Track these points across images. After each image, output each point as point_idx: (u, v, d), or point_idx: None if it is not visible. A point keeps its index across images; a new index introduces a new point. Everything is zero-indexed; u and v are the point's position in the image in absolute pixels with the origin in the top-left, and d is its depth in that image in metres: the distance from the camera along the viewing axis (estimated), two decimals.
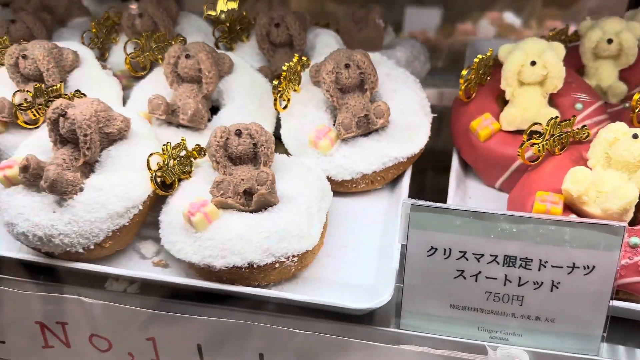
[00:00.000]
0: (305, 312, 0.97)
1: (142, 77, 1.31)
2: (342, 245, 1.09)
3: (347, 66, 1.14)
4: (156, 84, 1.25)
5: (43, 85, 1.06)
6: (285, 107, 1.20)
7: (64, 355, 1.07)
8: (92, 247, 0.99)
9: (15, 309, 1.02)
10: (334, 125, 1.19)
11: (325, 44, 1.38)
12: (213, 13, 1.53)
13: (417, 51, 1.55)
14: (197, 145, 1.09)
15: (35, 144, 1.08)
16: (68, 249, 0.98)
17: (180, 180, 1.05)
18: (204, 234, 0.95)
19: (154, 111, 1.17)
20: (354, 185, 1.19)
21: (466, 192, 1.25)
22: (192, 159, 1.07)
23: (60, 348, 1.06)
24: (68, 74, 1.25)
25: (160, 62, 1.26)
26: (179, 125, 1.20)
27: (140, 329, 1.00)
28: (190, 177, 1.06)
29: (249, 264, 0.93)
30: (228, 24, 1.37)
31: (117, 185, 0.99)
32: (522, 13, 2.04)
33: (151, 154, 1.01)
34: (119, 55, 1.42)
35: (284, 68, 1.15)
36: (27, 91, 1.07)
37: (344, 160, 1.16)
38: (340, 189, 1.19)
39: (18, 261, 1.05)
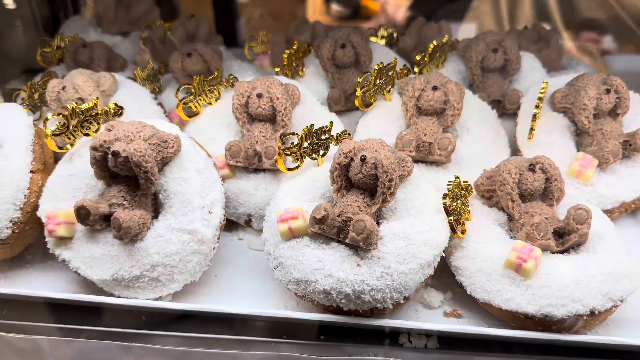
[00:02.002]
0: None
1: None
2: None
3: (607, 91, 1.09)
4: (381, 118, 1.18)
5: (313, 126, 0.97)
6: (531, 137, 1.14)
7: None
8: (402, 301, 0.90)
9: None
10: (577, 152, 1.15)
11: (531, 67, 1.33)
12: None
13: None
14: (465, 182, 1.02)
15: (297, 191, 1.00)
16: (377, 305, 0.89)
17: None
18: (534, 281, 0.88)
19: (404, 148, 1.09)
20: (608, 215, 1.13)
21: None
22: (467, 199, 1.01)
23: None
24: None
25: (385, 95, 1.19)
26: (417, 161, 1.14)
27: None
28: (471, 217, 0.99)
29: (590, 310, 0.86)
30: (429, 51, 1.30)
31: (423, 232, 0.91)
32: None
33: (445, 195, 0.94)
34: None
35: (540, 95, 1.09)
36: (295, 133, 0.99)
37: (606, 190, 1.10)
38: None
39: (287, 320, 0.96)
